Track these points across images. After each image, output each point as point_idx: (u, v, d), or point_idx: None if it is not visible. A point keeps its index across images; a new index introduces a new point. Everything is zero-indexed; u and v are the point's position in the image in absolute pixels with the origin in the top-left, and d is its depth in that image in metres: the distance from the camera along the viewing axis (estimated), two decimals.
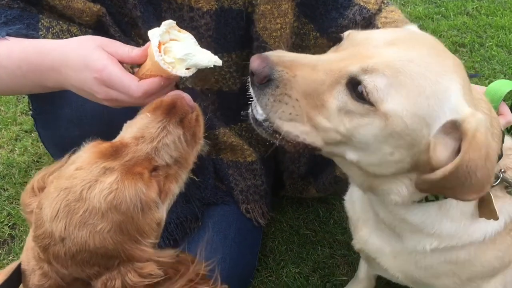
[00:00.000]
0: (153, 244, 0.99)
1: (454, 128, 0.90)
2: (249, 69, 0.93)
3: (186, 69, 1.04)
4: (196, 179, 1.58)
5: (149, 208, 0.95)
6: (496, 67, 2.65)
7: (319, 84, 0.92)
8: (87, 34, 1.25)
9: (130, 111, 1.27)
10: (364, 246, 1.28)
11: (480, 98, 1.04)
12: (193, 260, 1.02)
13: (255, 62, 0.92)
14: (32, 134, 2.28)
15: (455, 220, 1.09)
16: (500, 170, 1.08)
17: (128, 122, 1.04)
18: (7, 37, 1.15)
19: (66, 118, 1.35)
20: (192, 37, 1.06)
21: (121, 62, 1.05)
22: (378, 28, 1.44)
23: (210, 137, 1.60)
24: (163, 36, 1.01)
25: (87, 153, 0.95)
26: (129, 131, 1.00)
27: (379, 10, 1.49)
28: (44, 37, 1.23)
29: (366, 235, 1.26)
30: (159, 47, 1.00)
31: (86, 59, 1.02)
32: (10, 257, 1.81)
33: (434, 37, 1.02)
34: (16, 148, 2.23)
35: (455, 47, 2.79)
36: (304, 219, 1.96)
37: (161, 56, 0.99)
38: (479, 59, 2.70)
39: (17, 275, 0.99)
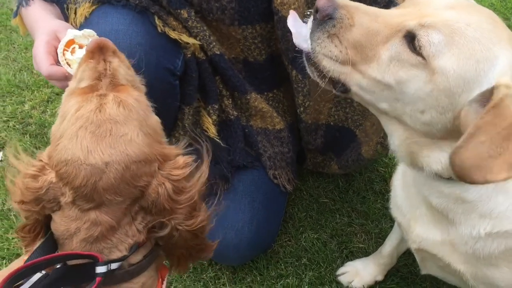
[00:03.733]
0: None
1: (489, 98, 0.92)
2: (315, 5, 1.00)
3: None
4: (221, 143, 1.65)
5: (149, 109, 1.01)
6: None
7: (375, 34, 0.98)
8: None
9: (154, 68, 1.40)
10: (422, 244, 1.26)
11: None
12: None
13: (322, 0, 0.99)
14: (62, 96, 2.35)
15: (509, 194, 1.08)
16: None
17: (76, 77, 1.09)
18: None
19: None
20: None
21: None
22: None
23: (242, 102, 1.66)
24: (79, 39, 1.19)
25: (74, 100, 0.98)
26: (85, 77, 1.03)
27: None
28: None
29: (421, 232, 1.25)
30: (69, 45, 1.18)
31: (37, 35, 1.30)
32: None
33: (491, 11, 1.05)
34: (47, 109, 2.32)
35: None
36: (323, 188, 2.02)
37: (64, 52, 1.18)
38: None
39: (52, 242, 0.99)
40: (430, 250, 1.25)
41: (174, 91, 1.50)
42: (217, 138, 1.60)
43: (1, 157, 2.11)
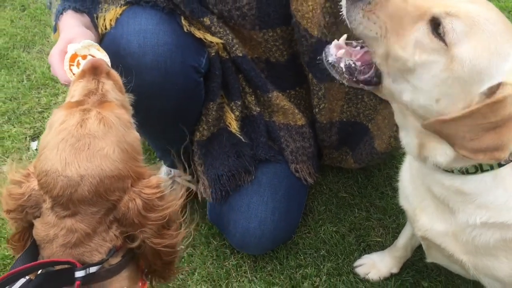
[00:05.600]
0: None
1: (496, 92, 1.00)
2: None
3: None
4: (242, 139, 1.72)
5: (129, 127, 1.07)
6: None
7: (405, 14, 1.05)
8: None
9: (179, 65, 1.47)
10: (427, 233, 1.32)
11: None
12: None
13: None
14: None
15: (508, 188, 1.14)
16: None
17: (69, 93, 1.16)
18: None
19: (127, 66, 1.48)
20: (107, 56, 1.28)
21: None
22: None
23: (264, 99, 1.73)
24: (80, 51, 1.25)
25: (61, 113, 1.04)
26: (76, 95, 1.10)
27: None
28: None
29: (426, 222, 1.32)
30: (74, 59, 1.24)
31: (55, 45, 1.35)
32: None
33: None
34: None
35: None
36: (343, 183, 2.09)
37: (71, 68, 1.25)
38: None
39: (34, 248, 1.04)
40: (434, 240, 1.32)
41: (199, 88, 1.59)
42: (238, 134, 1.68)
43: (37, 146, 2.23)
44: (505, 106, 0.97)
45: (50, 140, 1.00)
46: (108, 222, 1.01)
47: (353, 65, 1.18)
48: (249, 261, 1.83)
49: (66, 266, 0.98)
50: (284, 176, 1.81)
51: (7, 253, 1.82)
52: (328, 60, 1.19)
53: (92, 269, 0.99)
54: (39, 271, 0.99)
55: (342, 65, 1.19)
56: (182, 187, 1.10)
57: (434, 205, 1.28)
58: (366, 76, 1.17)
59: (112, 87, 1.10)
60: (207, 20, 1.52)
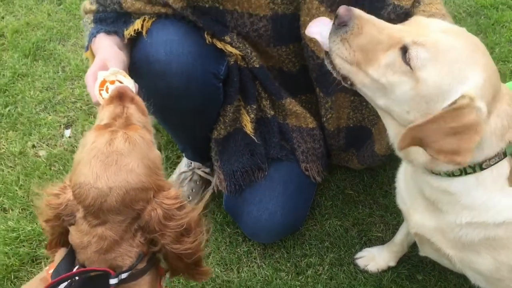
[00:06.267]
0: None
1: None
2: (336, 12, 1.24)
3: None
4: (255, 140, 1.88)
5: (151, 146, 1.20)
6: None
7: (378, 43, 1.22)
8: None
9: (200, 72, 1.66)
10: (419, 230, 1.47)
11: (506, 92, 1.27)
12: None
13: (341, 10, 1.23)
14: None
15: (487, 189, 1.27)
16: None
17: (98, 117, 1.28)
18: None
19: (155, 71, 1.66)
20: (132, 82, 1.40)
21: None
22: None
23: (279, 104, 1.90)
24: (108, 77, 1.38)
25: (92, 134, 1.16)
26: (104, 119, 1.22)
27: (418, 2, 1.65)
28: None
29: (419, 219, 1.46)
30: (103, 84, 1.37)
31: (93, 62, 1.50)
32: None
33: (479, 40, 1.26)
34: None
35: None
36: (350, 181, 2.25)
37: (101, 93, 1.37)
38: None
39: (72, 253, 1.17)
40: (425, 235, 1.47)
41: (218, 92, 1.77)
42: (252, 135, 1.84)
43: (70, 133, 2.44)
44: (464, 114, 1.13)
45: (83, 157, 1.12)
46: (134, 230, 1.13)
47: None
48: (259, 249, 2.01)
49: (101, 273, 1.11)
50: (295, 174, 1.97)
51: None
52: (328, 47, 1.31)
53: (124, 275, 1.12)
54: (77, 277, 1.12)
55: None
56: (203, 199, 1.24)
57: (425, 204, 1.43)
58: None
59: (135, 111, 1.24)
60: (227, 38, 1.70)
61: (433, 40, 1.18)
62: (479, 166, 1.25)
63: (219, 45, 1.70)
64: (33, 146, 2.39)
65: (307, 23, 1.62)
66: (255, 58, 1.76)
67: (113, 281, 1.11)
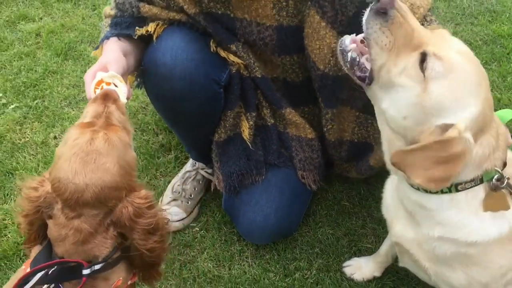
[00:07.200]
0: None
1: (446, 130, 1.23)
2: None
3: None
4: (250, 146, 1.99)
5: (128, 148, 1.29)
6: None
7: (410, 40, 1.27)
8: None
9: (202, 77, 1.81)
10: (399, 239, 1.54)
11: (495, 126, 1.34)
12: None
13: None
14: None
15: (461, 210, 1.35)
16: (508, 178, 1.32)
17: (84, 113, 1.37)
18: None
19: (161, 74, 1.81)
20: (126, 87, 1.51)
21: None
22: None
23: (279, 114, 2.01)
24: (106, 78, 1.49)
25: (75, 131, 1.24)
26: (87, 116, 1.32)
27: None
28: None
29: (399, 230, 1.53)
30: (99, 84, 1.49)
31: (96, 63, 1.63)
32: None
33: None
34: None
35: None
36: (346, 193, 2.33)
37: (95, 90, 1.48)
38: None
39: (49, 245, 1.24)
40: (404, 245, 1.54)
41: (219, 97, 1.89)
42: (248, 141, 1.96)
43: None
44: (453, 145, 1.20)
45: (64, 152, 1.21)
46: (106, 225, 1.22)
47: (357, 60, 1.39)
48: (251, 249, 2.12)
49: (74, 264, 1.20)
50: (291, 180, 2.07)
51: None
52: (341, 47, 1.40)
53: (97, 267, 1.21)
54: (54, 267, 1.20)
55: (349, 55, 1.39)
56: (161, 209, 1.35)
57: (406, 215, 1.51)
58: (362, 74, 1.37)
59: (115, 110, 1.35)
60: (233, 47, 1.83)
61: (450, 57, 1.24)
62: (455, 188, 1.32)
63: (223, 54, 1.83)
64: (55, 137, 2.57)
65: (310, 36, 1.76)
66: (257, 68, 1.88)
67: (86, 271, 1.20)
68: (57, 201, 1.21)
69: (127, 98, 1.52)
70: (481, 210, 1.34)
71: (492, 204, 1.33)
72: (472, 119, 1.23)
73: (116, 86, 1.50)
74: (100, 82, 1.50)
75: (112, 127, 1.28)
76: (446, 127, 1.23)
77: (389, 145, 1.39)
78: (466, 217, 1.36)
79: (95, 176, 1.18)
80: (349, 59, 1.40)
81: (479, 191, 1.34)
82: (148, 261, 1.29)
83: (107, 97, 1.36)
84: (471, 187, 1.32)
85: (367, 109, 1.93)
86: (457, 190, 1.33)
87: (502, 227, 1.35)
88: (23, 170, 2.40)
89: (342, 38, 1.43)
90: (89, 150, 1.20)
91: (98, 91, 1.48)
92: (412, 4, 1.71)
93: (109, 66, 1.58)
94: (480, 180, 1.32)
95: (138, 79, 2.02)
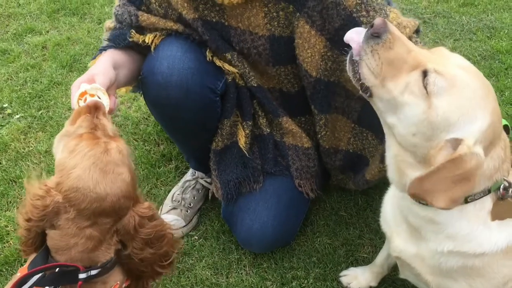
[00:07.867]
0: None
1: (458, 145, 1.22)
2: (373, 22, 1.29)
3: None
4: (247, 154, 2.02)
5: (131, 158, 1.31)
6: None
7: (405, 62, 1.27)
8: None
9: (198, 86, 1.86)
10: (400, 254, 1.53)
11: (503, 137, 1.35)
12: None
13: (378, 21, 1.28)
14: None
15: (470, 221, 1.34)
16: None
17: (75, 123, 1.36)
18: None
19: (158, 82, 1.86)
20: (108, 100, 1.54)
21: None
22: None
23: (276, 122, 2.05)
24: (90, 90, 1.52)
25: (82, 142, 1.24)
26: (83, 126, 1.32)
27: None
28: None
29: (400, 244, 1.52)
30: (83, 95, 1.51)
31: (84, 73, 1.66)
32: None
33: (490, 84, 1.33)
34: (132, 106, 2.85)
35: None
36: (344, 204, 2.35)
37: (79, 102, 1.50)
38: None
39: (46, 252, 1.25)
40: (406, 260, 1.54)
41: (215, 105, 1.94)
42: (244, 149, 2.00)
43: None
44: (465, 161, 1.19)
45: (79, 162, 1.21)
46: (113, 232, 1.26)
47: (358, 72, 1.34)
48: (249, 257, 2.14)
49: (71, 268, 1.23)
50: (289, 189, 2.10)
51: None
52: (352, 58, 1.36)
53: (93, 272, 1.24)
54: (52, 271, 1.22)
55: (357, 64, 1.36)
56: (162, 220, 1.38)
57: (409, 231, 1.50)
58: (363, 86, 1.34)
59: (108, 121, 1.37)
60: (228, 55, 1.88)
61: (452, 72, 1.24)
62: (465, 199, 1.31)
63: (218, 63, 1.88)
64: None
65: (300, 46, 1.81)
66: (253, 77, 1.93)
67: (82, 275, 1.22)
68: (68, 210, 1.21)
69: (110, 111, 1.54)
70: (489, 219, 1.35)
71: (500, 212, 1.33)
72: (481, 132, 1.23)
73: (99, 98, 1.53)
74: (83, 93, 1.53)
75: (115, 138, 1.32)
76: (456, 142, 1.23)
77: (395, 160, 1.36)
78: (475, 228, 1.36)
79: (115, 186, 1.22)
80: (352, 67, 1.38)
81: (487, 201, 1.34)
82: (136, 271, 1.33)
83: (98, 109, 1.38)
84: (479, 197, 1.32)
85: (363, 122, 1.98)
86: (466, 202, 1.32)
87: (510, 236, 1.36)
88: (25, 177, 2.43)
89: (350, 52, 1.40)
90: (107, 160, 1.23)
91: (81, 102, 1.51)
92: (399, 23, 1.74)
93: (96, 77, 1.61)
94: (488, 191, 1.32)
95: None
